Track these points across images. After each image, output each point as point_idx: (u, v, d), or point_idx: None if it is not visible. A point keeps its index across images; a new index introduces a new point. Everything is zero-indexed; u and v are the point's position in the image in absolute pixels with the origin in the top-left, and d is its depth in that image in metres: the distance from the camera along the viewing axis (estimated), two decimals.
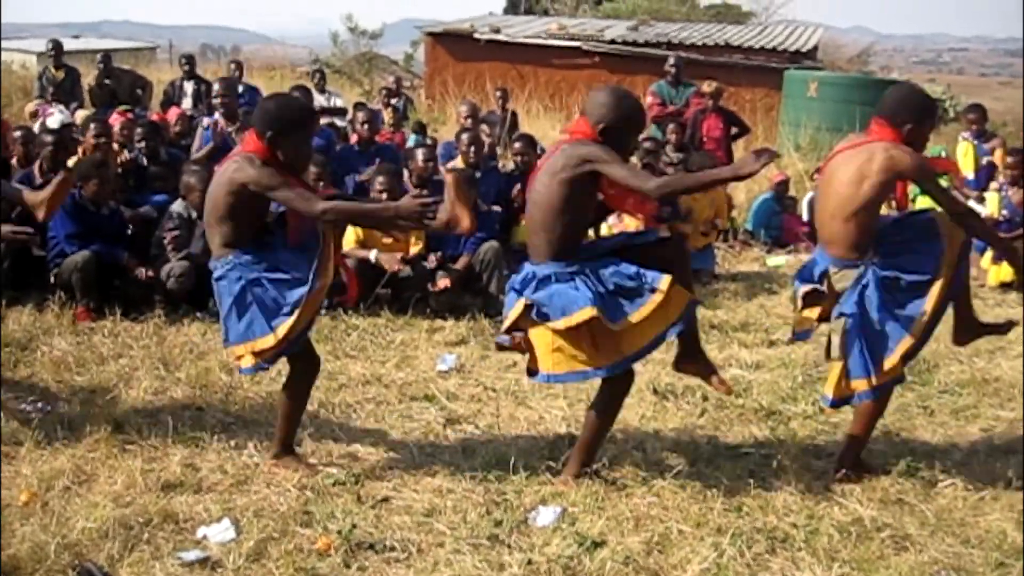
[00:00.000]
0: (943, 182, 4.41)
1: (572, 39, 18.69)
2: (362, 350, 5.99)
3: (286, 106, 4.03)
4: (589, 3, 28.86)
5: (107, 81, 11.98)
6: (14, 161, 7.49)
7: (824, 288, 4.20)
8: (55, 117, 9.90)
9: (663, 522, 3.77)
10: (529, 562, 3.45)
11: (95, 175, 6.49)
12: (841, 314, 4.19)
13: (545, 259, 3.94)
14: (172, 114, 10.23)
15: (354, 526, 3.64)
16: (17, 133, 7.67)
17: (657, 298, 3.81)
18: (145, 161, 7.86)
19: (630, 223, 6.41)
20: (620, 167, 3.84)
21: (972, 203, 8.57)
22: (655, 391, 5.29)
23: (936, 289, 4.05)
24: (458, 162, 7.81)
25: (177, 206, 6.72)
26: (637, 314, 3.83)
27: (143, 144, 7.92)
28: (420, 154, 7.38)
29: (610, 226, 6.73)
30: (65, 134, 7.69)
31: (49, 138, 7.24)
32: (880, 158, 3.99)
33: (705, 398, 5.25)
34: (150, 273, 6.45)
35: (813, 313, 4.21)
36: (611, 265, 3.90)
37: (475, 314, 6.66)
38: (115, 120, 9.00)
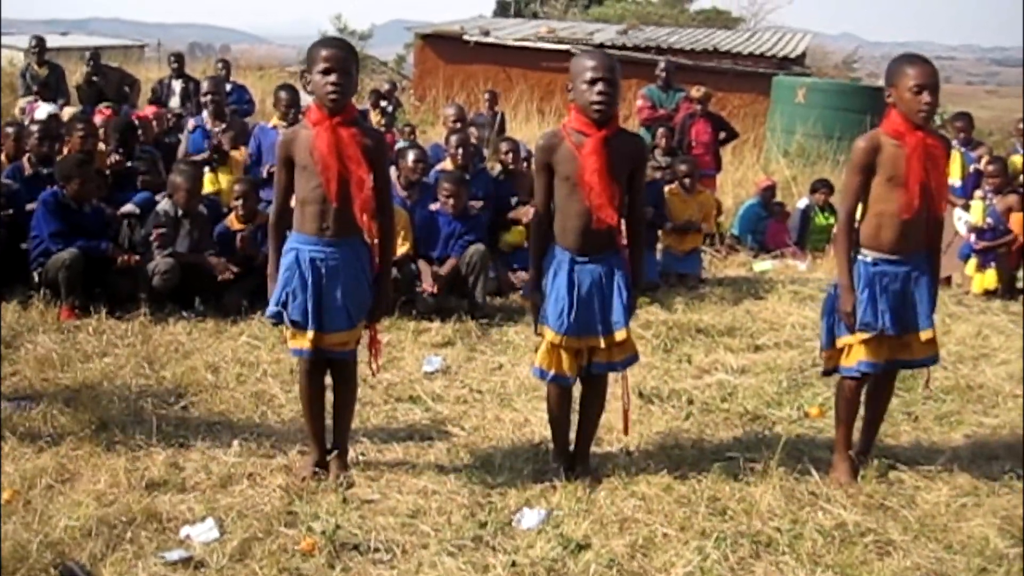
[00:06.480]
0: None
1: (561, 42, 18.71)
2: None
3: None
4: (578, 7, 28.94)
5: (95, 79, 11.94)
6: (3, 157, 7.46)
7: None
8: (41, 109, 9.85)
9: (647, 525, 3.78)
10: (513, 564, 3.44)
11: (76, 174, 6.46)
12: None
13: None
14: (150, 111, 10.15)
15: (338, 527, 3.63)
16: (9, 129, 7.63)
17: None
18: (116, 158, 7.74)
19: None
20: None
21: (959, 210, 8.62)
22: (640, 395, 5.29)
23: None
24: (447, 164, 7.80)
25: (163, 204, 6.69)
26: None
27: (117, 144, 7.78)
28: (410, 156, 7.33)
29: None
30: (51, 125, 7.63)
31: (35, 128, 7.21)
32: None
33: (690, 402, 5.27)
34: (136, 257, 6.43)
35: None
36: None
37: (461, 316, 6.66)
38: (98, 118, 8.96)
